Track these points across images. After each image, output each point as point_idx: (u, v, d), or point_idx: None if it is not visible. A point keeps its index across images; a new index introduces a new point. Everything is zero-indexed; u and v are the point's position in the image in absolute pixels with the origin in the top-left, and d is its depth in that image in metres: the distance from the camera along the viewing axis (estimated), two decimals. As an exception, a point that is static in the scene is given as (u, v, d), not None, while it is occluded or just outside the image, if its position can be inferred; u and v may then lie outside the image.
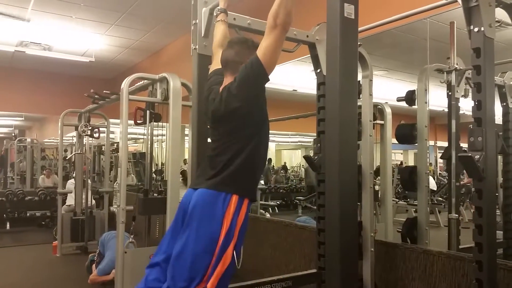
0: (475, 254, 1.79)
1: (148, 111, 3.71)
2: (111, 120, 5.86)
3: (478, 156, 1.76)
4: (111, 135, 6.87)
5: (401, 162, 9.42)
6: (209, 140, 2.18)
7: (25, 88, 8.81)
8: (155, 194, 3.88)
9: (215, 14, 2.28)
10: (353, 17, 1.37)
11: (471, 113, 1.86)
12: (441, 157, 3.63)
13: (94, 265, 4.29)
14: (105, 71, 8.90)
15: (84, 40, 7.01)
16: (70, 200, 6.00)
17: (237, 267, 1.80)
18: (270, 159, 13.85)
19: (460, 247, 2.80)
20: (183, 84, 3.28)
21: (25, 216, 7.38)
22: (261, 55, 1.78)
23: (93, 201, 6.23)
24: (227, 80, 1.93)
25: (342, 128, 1.40)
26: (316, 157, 2.68)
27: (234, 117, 1.85)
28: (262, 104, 1.91)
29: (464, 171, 2.96)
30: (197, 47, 2.37)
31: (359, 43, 1.89)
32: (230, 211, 1.78)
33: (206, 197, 1.81)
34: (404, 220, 3.23)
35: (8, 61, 8.21)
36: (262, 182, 9.98)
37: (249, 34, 2.45)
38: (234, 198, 1.80)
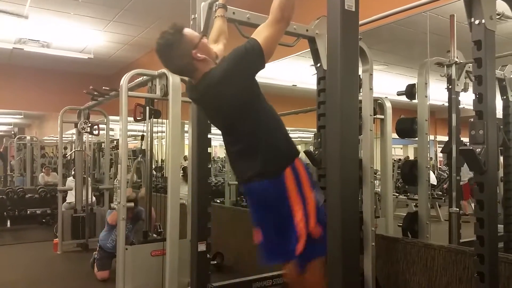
0: (477, 247, 1.79)
1: (147, 108, 3.70)
2: (111, 117, 5.85)
3: (479, 149, 1.75)
4: (111, 132, 6.87)
5: (406, 158, 9.26)
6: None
7: (24, 86, 8.78)
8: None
9: (214, 9, 2.26)
10: (353, 9, 1.36)
11: (470, 107, 1.85)
12: (441, 151, 3.62)
13: (95, 263, 4.28)
14: (104, 68, 8.87)
15: (82, 37, 6.98)
16: (71, 198, 6.00)
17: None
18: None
19: (461, 241, 2.81)
20: (182, 80, 3.27)
21: (25, 214, 7.39)
22: (263, 42, 1.73)
23: (93, 198, 6.23)
24: (196, 76, 1.83)
25: (343, 123, 1.39)
26: (316, 152, 2.68)
27: (224, 95, 1.79)
28: (254, 84, 1.84)
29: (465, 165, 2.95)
30: (196, 42, 2.35)
31: (359, 36, 1.89)
32: (291, 182, 1.81)
33: (265, 185, 1.83)
34: (404, 214, 3.24)
35: (6, 58, 8.18)
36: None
37: (248, 29, 2.44)
38: (288, 172, 1.82)
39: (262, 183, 1.83)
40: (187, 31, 1.81)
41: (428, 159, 3.11)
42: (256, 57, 1.74)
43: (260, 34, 1.75)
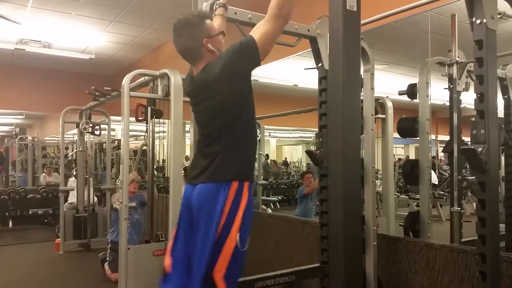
0: (479, 246, 1.79)
1: (149, 108, 3.71)
2: (112, 117, 5.86)
3: (480, 149, 1.75)
4: (112, 132, 6.88)
5: (407, 157, 9.24)
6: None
7: (25, 86, 8.80)
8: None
9: (214, 8, 2.26)
10: (355, 9, 1.37)
11: (471, 107, 1.85)
12: (442, 151, 3.63)
13: (108, 265, 4.29)
14: (105, 68, 8.88)
15: (84, 37, 6.99)
16: (72, 198, 6.02)
17: (244, 250, 1.74)
18: (267, 155, 13.87)
19: (463, 240, 2.81)
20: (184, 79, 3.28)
21: (27, 214, 7.41)
22: (258, 39, 1.72)
23: (95, 198, 6.24)
24: (197, 68, 1.84)
25: (345, 122, 1.39)
26: (318, 152, 2.68)
27: (215, 92, 1.78)
28: (248, 88, 1.83)
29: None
30: (198, 42, 2.36)
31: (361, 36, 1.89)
32: (230, 197, 1.73)
33: (207, 193, 1.77)
34: (405, 214, 3.24)
35: (8, 59, 8.20)
36: (262, 178, 10.00)
37: (250, 30, 2.44)
38: (234, 185, 1.75)
39: (205, 186, 1.78)
40: (209, 21, 1.85)
41: (430, 158, 3.11)
42: (250, 53, 1.73)
43: (257, 31, 1.74)
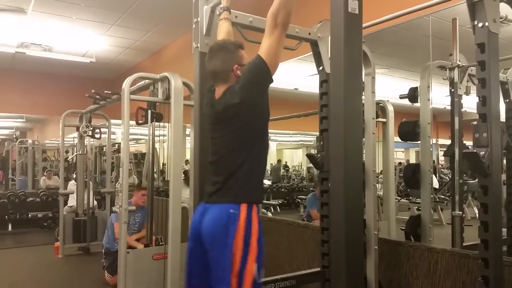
0: (481, 251, 1.78)
1: (149, 111, 3.70)
2: (112, 121, 5.86)
3: (483, 152, 1.74)
4: (113, 136, 6.87)
5: (407, 161, 9.23)
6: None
7: (26, 89, 8.81)
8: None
9: (217, 12, 2.27)
10: (357, 12, 1.36)
11: (471, 111, 1.85)
12: (444, 154, 3.61)
13: (105, 270, 4.26)
14: (106, 72, 8.89)
15: (84, 41, 7.00)
16: (72, 201, 6.00)
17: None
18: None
19: (464, 244, 2.79)
20: (185, 84, 3.27)
21: (27, 217, 7.38)
22: (265, 55, 1.78)
23: (95, 202, 6.23)
24: (220, 89, 1.91)
25: (347, 125, 1.38)
26: (319, 155, 2.67)
27: (233, 117, 1.84)
28: (265, 106, 1.90)
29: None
30: (198, 45, 2.36)
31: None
32: (242, 226, 1.75)
33: (216, 217, 1.79)
34: (406, 218, 3.22)
35: (8, 62, 8.20)
36: (268, 181, 10.04)
37: (251, 33, 2.44)
38: (243, 208, 1.78)
39: (215, 212, 1.81)
40: (243, 51, 1.94)
41: (431, 162, 3.10)
42: (262, 73, 1.79)
43: (261, 48, 1.80)
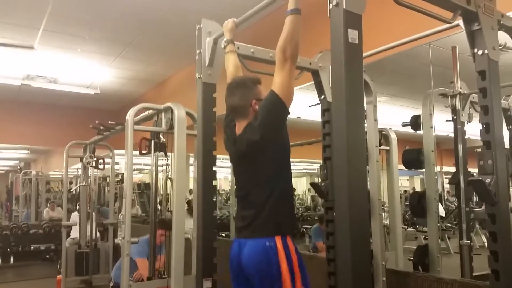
0: (492, 282, 1.73)
1: (153, 141, 3.71)
2: (116, 151, 5.87)
3: (489, 180, 1.72)
4: (116, 166, 6.86)
5: (413, 189, 9.12)
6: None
7: (31, 121, 8.89)
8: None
9: (222, 46, 2.31)
10: (357, 42, 1.37)
11: (474, 138, 1.84)
12: (449, 182, 3.58)
13: None
14: (110, 103, 8.98)
15: (89, 72, 7.11)
16: (75, 233, 5.94)
17: None
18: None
19: (474, 274, 2.72)
20: (188, 114, 3.30)
21: (29, 249, 7.31)
22: (278, 90, 1.82)
23: (98, 233, 6.16)
24: (241, 124, 1.96)
25: (350, 154, 1.37)
26: (323, 184, 2.65)
27: (256, 154, 1.88)
28: (285, 139, 1.95)
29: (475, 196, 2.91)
30: (201, 76, 2.39)
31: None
32: (282, 255, 1.79)
33: (256, 252, 1.82)
34: (413, 247, 3.16)
35: (14, 94, 8.31)
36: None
37: (253, 63, 2.47)
38: (278, 240, 1.81)
39: (251, 246, 1.84)
40: (261, 87, 2.00)
41: (437, 190, 3.06)
42: (277, 107, 1.84)
43: (274, 83, 1.85)
